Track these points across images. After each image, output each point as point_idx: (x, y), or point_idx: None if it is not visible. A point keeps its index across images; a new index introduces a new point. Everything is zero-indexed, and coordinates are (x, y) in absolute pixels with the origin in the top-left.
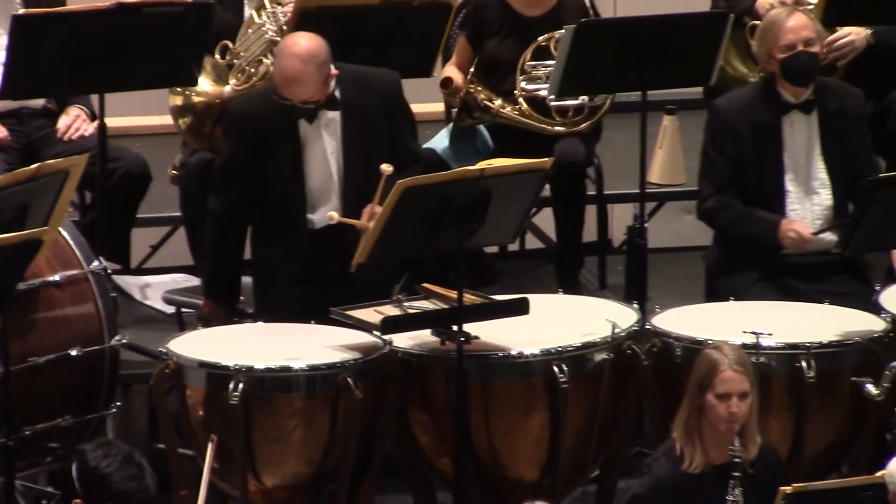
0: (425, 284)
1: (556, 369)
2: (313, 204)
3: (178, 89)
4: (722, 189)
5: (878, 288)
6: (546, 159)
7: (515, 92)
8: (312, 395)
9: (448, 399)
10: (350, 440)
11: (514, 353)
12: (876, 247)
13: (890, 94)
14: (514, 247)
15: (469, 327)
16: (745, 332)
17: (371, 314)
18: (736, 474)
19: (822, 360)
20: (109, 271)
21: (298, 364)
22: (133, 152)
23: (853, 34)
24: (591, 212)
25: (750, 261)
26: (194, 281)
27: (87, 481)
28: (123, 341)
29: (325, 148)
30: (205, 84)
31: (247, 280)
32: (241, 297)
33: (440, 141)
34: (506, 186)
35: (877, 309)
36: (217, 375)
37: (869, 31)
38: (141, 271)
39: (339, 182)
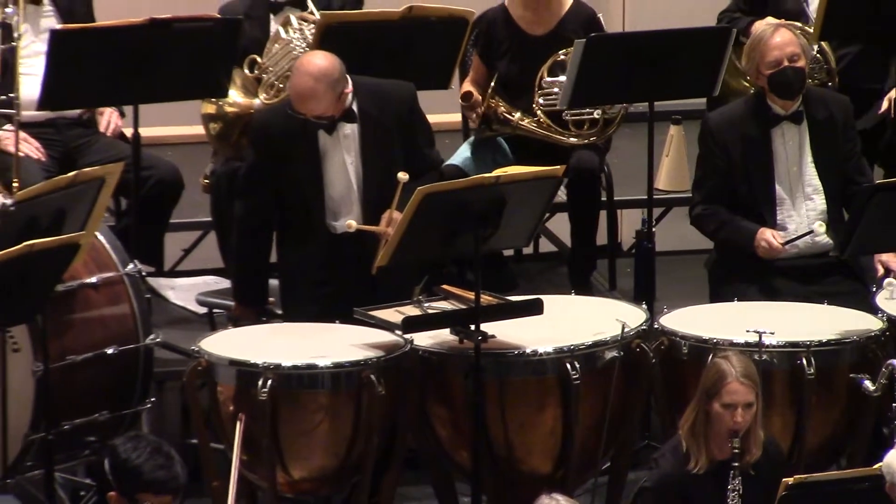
0: (444, 286)
1: (568, 366)
2: (334, 211)
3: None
4: (709, 198)
5: (873, 289)
6: (558, 167)
7: (533, 106)
8: (337, 391)
9: (466, 395)
10: (373, 434)
11: (528, 351)
12: (872, 250)
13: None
14: (528, 250)
15: (486, 326)
16: (747, 331)
17: (393, 314)
18: (735, 464)
19: (822, 358)
20: (144, 274)
21: (324, 361)
22: (166, 161)
23: None
24: (601, 217)
25: (745, 265)
26: (225, 283)
27: (120, 474)
28: (157, 340)
29: (344, 159)
30: (236, 96)
31: (274, 282)
32: (271, 299)
33: (462, 154)
34: (520, 193)
35: (873, 309)
36: (246, 373)
37: None
38: (174, 274)
39: (359, 191)
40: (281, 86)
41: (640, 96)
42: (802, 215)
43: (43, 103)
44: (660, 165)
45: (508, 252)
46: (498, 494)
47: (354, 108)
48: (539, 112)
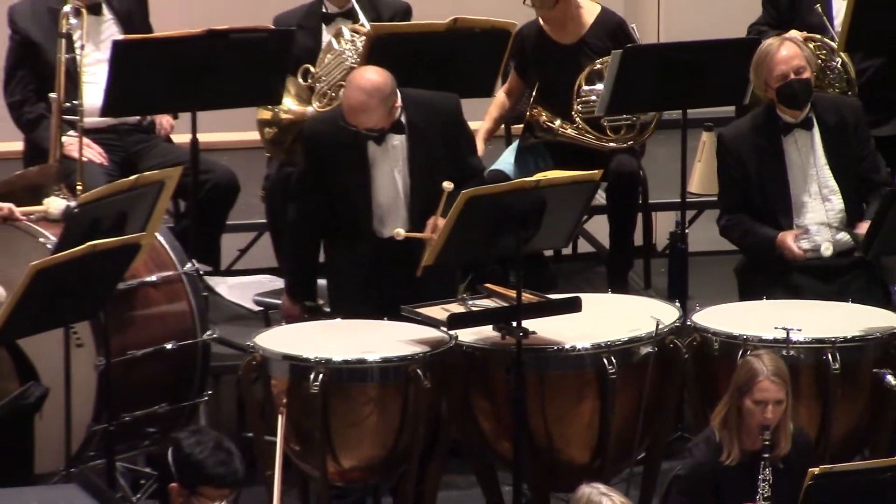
0: (487, 284)
1: (605, 361)
2: (382, 218)
3: (267, 106)
4: (732, 208)
5: (894, 288)
6: (595, 171)
7: (573, 113)
8: (385, 384)
9: (507, 388)
10: (419, 425)
11: (567, 346)
12: (895, 250)
13: None
14: (567, 251)
15: (527, 323)
16: (776, 328)
17: (438, 311)
18: (765, 455)
19: (846, 354)
20: (201, 272)
21: (373, 356)
22: (222, 165)
23: None
24: (637, 212)
25: (771, 266)
26: (278, 282)
27: (183, 467)
28: (214, 336)
29: (391, 168)
30: (290, 104)
31: (322, 282)
32: (320, 301)
33: (505, 159)
34: (559, 196)
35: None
36: (299, 367)
37: None
38: (230, 273)
39: (405, 199)
40: (333, 94)
41: (674, 104)
42: (822, 215)
43: (105, 110)
44: (692, 170)
45: (548, 252)
46: (538, 483)
47: (403, 119)
48: (578, 119)
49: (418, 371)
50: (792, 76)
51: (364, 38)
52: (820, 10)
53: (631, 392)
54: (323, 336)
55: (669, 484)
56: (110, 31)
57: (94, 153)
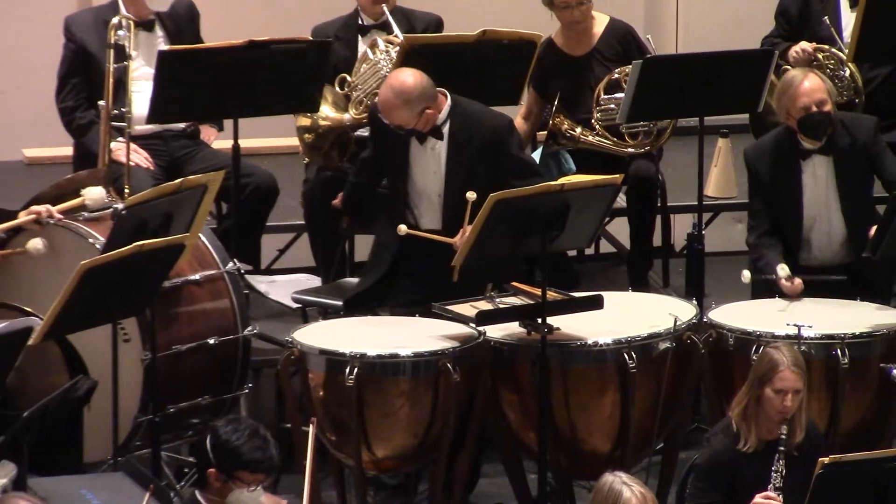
0: (514, 283)
1: (625, 356)
2: (418, 213)
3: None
4: (757, 225)
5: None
6: (617, 175)
7: (593, 121)
8: (417, 377)
9: (533, 381)
10: (449, 416)
11: (590, 342)
12: None
13: None
14: (590, 251)
15: (552, 320)
16: (788, 324)
17: (467, 308)
18: (781, 448)
19: (855, 349)
20: (242, 271)
21: (405, 351)
22: (262, 169)
23: None
24: (656, 215)
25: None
26: (316, 280)
27: (220, 453)
28: (254, 331)
29: (430, 169)
30: (328, 111)
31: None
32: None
33: None
34: (582, 198)
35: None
36: (335, 361)
37: None
38: (269, 272)
39: (440, 200)
40: (368, 102)
41: (691, 112)
42: (824, 235)
43: (151, 117)
44: (709, 174)
45: (572, 252)
46: (561, 471)
47: (446, 128)
48: (598, 126)
49: (448, 365)
50: (814, 108)
51: (398, 48)
52: (829, 22)
53: (650, 385)
54: (358, 332)
55: (686, 472)
56: (162, 47)
57: (140, 158)
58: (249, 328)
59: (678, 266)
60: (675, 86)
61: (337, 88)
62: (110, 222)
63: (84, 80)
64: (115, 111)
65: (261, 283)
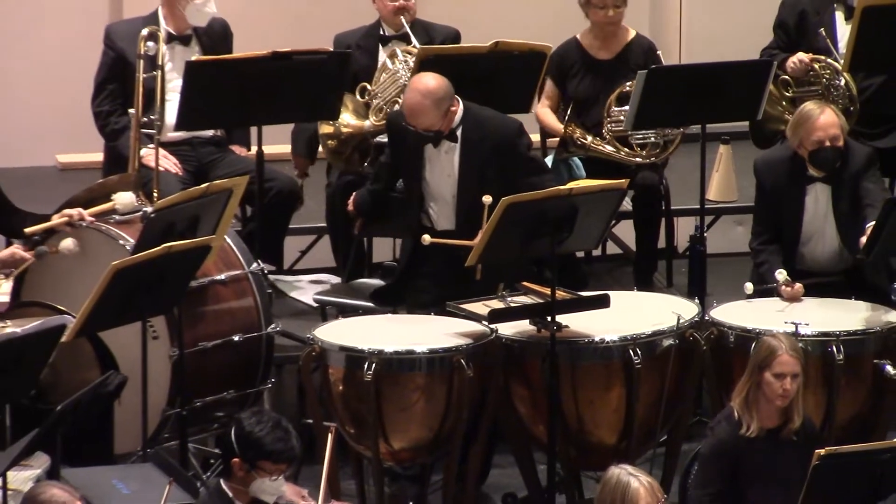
0: (525, 283)
1: (631, 353)
2: (433, 215)
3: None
4: (760, 232)
5: (894, 286)
6: (623, 180)
7: (603, 131)
8: (432, 373)
9: (543, 377)
10: (462, 410)
11: (597, 339)
12: (892, 253)
13: None
14: (597, 252)
15: (561, 318)
16: (786, 322)
17: (480, 307)
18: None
19: (850, 346)
20: (266, 272)
21: (421, 348)
22: (285, 174)
23: None
24: (661, 221)
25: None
26: (336, 280)
27: (244, 443)
28: (277, 329)
29: (444, 171)
30: (349, 119)
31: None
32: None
33: None
34: (590, 202)
35: (894, 303)
36: (354, 357)
37: None
38: (292, 272)
39: (454, 201)
40: (388, 109)
41: (694, 119)
42: (819, 250)
43: (179, 125)
44: (710, 179)
45: (580, 253)
46: (570, 463)
47: (459, 131)
48: (608, 136)
49: (462, 361)
50: (827, 143)
51: (415, 58)
52: (825, 34)
53: (654, 380)
54: (376, 329)
55: (689, 463)
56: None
57: (169, 163)
58: (272, 326)
59: (681, 266)
60: (678, 95)
61: (357, 97)
62: (140, 225)
63: (120, 86)
64: (145, 118)
65: (284, 282)
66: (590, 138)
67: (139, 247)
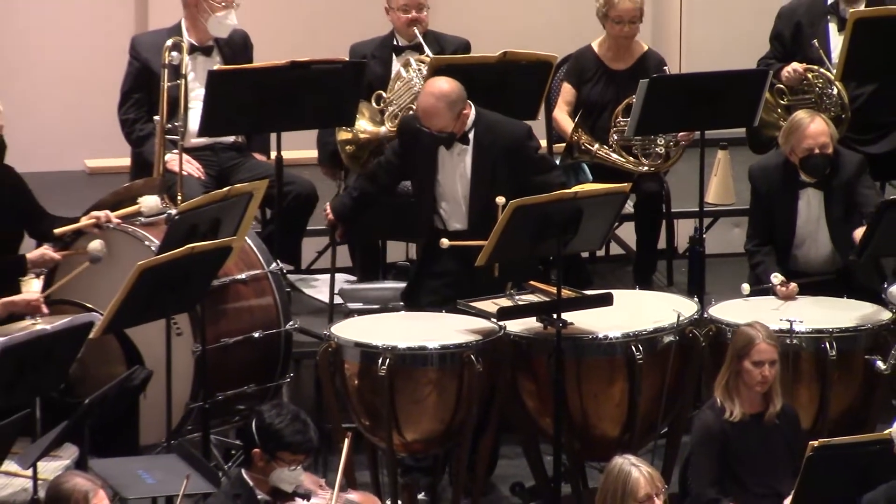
0: (532, 282)
1: (633, 349)
2: (445, 216)
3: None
4: (754, 235)
5: (885, 286)
6: (625, 184)
7: (609, 141)
8: (443, 368)
9: (549, 372)
10: (472, 404)
11: (600, 335)
12: (883, 254)
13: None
14: (601, 253)
15: (566, 315)
16: (781, 319)
17: (489, 305)
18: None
19: (842, 342)
20: (284, 271)
21: (433, 344)
22: (303, 178)
23: None
24: (661, 225)
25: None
26: (352, 279)
27: (264, 435)
28: (295, 326)
29: (456, 173)
30: (366, 125)
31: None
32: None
33: None
34: (594, 205)
35: (885, 302)
36: (369, 353)
37: None
38: (309, 272)
39: (465, 203)
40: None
41: (693, 126)
42: (811, 252)
43: (202, 131)
44: (709, 183)
45: (585, 254)
46: (575, 454)
47: (471, 134)
48: (613, 144)
49: (472, 357)
50: (816, 151)
51: (427, 67)
52: (818, 45)
53: (655, 375)
54: (390, 325)
55: (688, 455)
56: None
57: (192, 168)
58: (291, 323)
59: (681, 266)
60: (678, 102)
61: (373, 104)
62: (164, 226)
63: (145, 95)
64: (169, 125)
65: (301, 281)
66: (596, 145)
67: (164, 247)
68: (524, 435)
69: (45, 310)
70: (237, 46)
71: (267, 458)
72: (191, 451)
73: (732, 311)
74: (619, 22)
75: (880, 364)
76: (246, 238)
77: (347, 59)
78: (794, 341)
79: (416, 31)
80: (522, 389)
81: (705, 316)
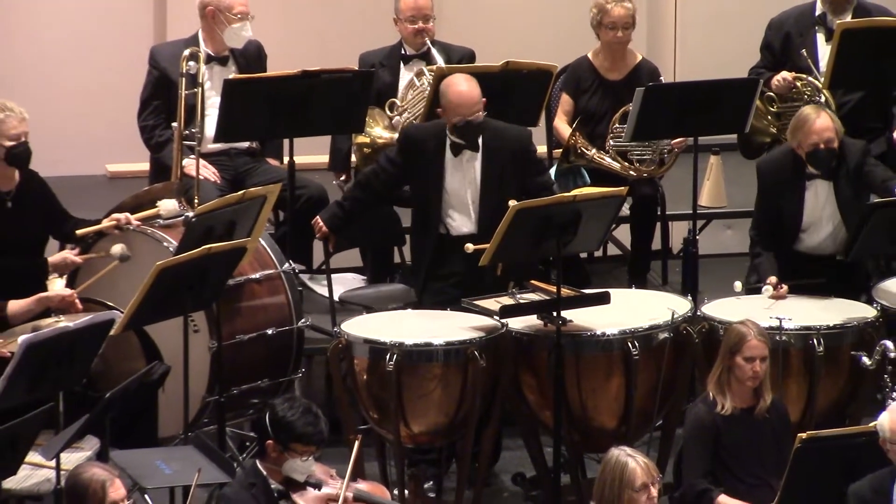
0: (533, 281)
1: (629, 345)
2: (453, 220)
3: (366, 132)
4: (757, 226)
5: (870, 284)
6: (622, 188)
7: (606, 147)
8: (448, 363)
9: (549, 367)
10: (476, 397)
11: (598, 332)
12: (870, 254)
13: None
14: (598, 253)
15: (566, 313)
16: (771, 317)
17: (492, 303)
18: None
19: (829, 339)
20: (297, 271)
21: (438, 340)
22: (315, 182)
23: None
24: (655, 227)
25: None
26: (361, 279)
27: (277, 427)
28: (307, 323)
29: (465, 179)
30: (381, 132)
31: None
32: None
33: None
34: (592, 208)
35: (870, 300)
36: (377, 349)
37: None
38: (320, 271)
39: (475, 208)
40: (416, 122)
41: (687, 132)
42: (816, 237)
43: (218, 137)
44: (702, 187)
45: (583, 254)
46: (574, 445)
47: (480, 140)
48: (610, 150)
49: (476, 353)
50: (822, 146)
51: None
52: (806, 55)
53: (651, 370)
54: (397, 323)
55: (682, 448)
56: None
57: (209, 172)
58: (303, 320)
59: (675, 266)
60: (673, 110)
61: (387, 111)
62: (182, 228)
63: (164, 103)
64: (187, 132)
65: (313, 281)
66: (593, 150)
67: (181, 248)
68: (525, 427)
69: (79, 305)
70: (251, 56)
71: (280, 449)
72: (207, 443)
73: (724, 309)
74: (612, 28)
75: (865, 360)
76: (260, 239)
77: (357, 68)
78: (784, 338)
79: (428, 41)
80: (524, 384)
81: (698, 314)
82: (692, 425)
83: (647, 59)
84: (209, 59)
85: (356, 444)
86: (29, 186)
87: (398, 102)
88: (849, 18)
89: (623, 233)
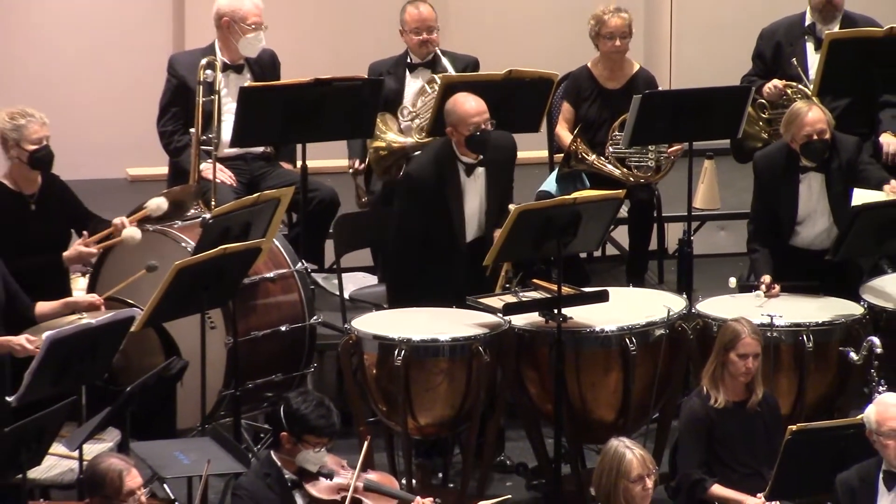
0: (534, 280)
1: (627, 341)
2: (465, 231)
3: (379, 136)
4: (754, 221)
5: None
6: (620, 191)
7: (606, 153)
8: (454, 358)
9: (550, 362)
10: (481, 391)
11: (597, 329)
12: (856, 254)
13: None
14: (597, 253)
15: (566, 311)
16: (762, 314)
17: (496, 301)
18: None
19: (818, 335)
20: (309, 270)
21: (444, 336)
22: (326, 185)
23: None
24: (652, 229)
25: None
26: (370, 278)
27: (291, 419)
28: (319, 320)
29: (476, 192)
30: (395, 137)
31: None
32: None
33: (550, 181)
34: (592, 210)
35: (858, 298)
36: (386, 345)
37: None
38: (332, 271)
39: (483, 216)
40: (429, 128)
41: (682, 138)
42: (811, 230)
43: (234, 142)
44: (697, 190)
45: (583, 254)
46: (574, 437)
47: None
48: (609, 156)
49: (480, 348)
50: (815, 137)
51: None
52: (796, 63)
53: (647, 365)
54: (405, 320)
55: (677, 440)
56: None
57: (225, 176)
58: (315, 317)
59: (671, 266)
60: (669, 116)
61: (400, 116)
62: (199, 229)
63: (182, 109)
64: (204, 137)
65: (325, 279)
66: (593, 156)
67: (199, 248)
68: (527, 420)
69: (104, 310)
70: (266, 65)
71: (294, 440)
72: (223, 435)
73: (718, 306)
74: (610, 38)
75: (853, 355)
76: (274, 240)
77: (366, 76)
78: (775, 334)
79: (437, 50)
80: (526, 378)
81: (693, 311)
82: (687, 418)
83: (645, 69)
84: (225, 68)
85: (366, 444)
86: (51, 189)
87: (409, 108)
88: (836, 29)
89: (621, 234)
